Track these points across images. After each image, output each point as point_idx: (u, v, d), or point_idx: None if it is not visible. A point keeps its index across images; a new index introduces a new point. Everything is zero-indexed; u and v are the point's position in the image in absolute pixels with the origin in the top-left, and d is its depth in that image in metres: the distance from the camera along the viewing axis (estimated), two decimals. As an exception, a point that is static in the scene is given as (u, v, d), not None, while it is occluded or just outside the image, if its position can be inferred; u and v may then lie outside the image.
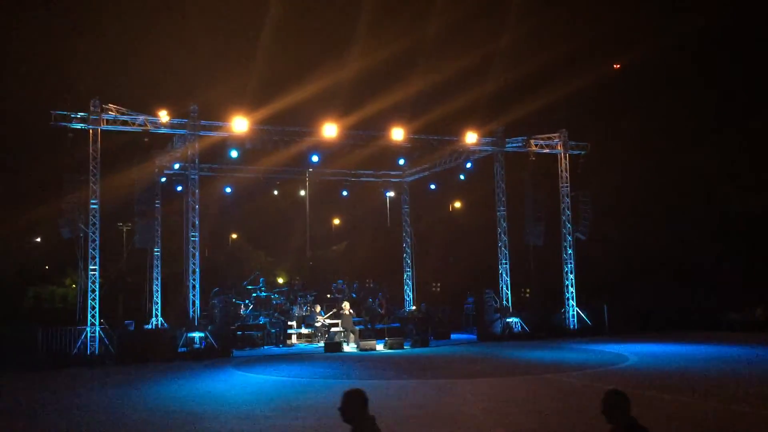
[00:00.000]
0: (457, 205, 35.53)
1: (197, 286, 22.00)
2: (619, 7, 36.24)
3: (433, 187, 29.31)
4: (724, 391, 12.98)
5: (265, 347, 23.91)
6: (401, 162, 27.25)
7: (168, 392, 14.87)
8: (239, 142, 22.99)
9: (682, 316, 27.05)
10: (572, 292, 26.30)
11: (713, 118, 33.33)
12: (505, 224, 26.07)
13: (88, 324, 20.56)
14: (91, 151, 21.08)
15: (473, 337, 26.16)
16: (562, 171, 26.63)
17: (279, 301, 26.30)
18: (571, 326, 26.02)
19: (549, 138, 26.55)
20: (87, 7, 32.90)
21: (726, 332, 25.15)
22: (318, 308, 25.65)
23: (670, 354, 19.41)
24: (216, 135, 22.92)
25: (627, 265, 30.22)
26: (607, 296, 27.06)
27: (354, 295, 27.53)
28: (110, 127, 21.41)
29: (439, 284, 32.06)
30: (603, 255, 29.52)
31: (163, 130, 22.13)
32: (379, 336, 24.30)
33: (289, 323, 25.50)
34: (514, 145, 26.13)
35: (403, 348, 22.81)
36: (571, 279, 26.39)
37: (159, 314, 25.25)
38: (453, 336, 26.64)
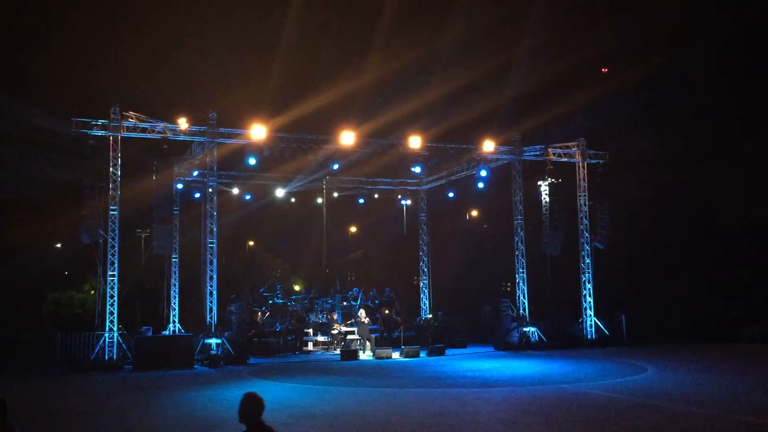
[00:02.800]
0: (474, 213, 35.39)
1: (214, 292, 22.10)
2: (641, 15, 35.96)
3: (451, 195, 29.23)
4: (742, 403, 12.78)
5: (282, 354, 23.94)
6: (418, 170, 27.21)
7: (184, 398, 14.91)
8: (257, 150, 23.09)
9: (704, 327, 26.71)
10: (590, 302, 26.07)
11: (737, 127, 32.93)
12: (522, 233, 25.92)
13: (107, 329, 20.70)
14: (111, 158, 21.30)
15: (490, 347, 26.00)
16: (580, 180, 26.46)
17: (295, 308, 26.33)
18: (589, 336, 25.78)
19: (567, 147, 26.41)
20: (107, 15, 33.27)
21: (748, 344, 24.80)
22: (335, 316, 25.64)
23: (689, 365, 19.18)
24: (234, 142, 23.05)
25: (646, 276, 29.89)
26: (625, 306, 26.79)
27: (369, 303, 27.49)
28: (130, 134, 21.62)
29: (455, 292, 31.87)
30: (622, 265, 29.22)
31: (182, 137, 22.29)
32: (395, 344, 24.24)
33: (306, 330, 25.54)
34: (532, 153, 26.00)
35: (419, 356, 22.75)
36: (589, 288, 26.16)
37: (176, 320, 25.36)
38: (469, 345, 26.51)
